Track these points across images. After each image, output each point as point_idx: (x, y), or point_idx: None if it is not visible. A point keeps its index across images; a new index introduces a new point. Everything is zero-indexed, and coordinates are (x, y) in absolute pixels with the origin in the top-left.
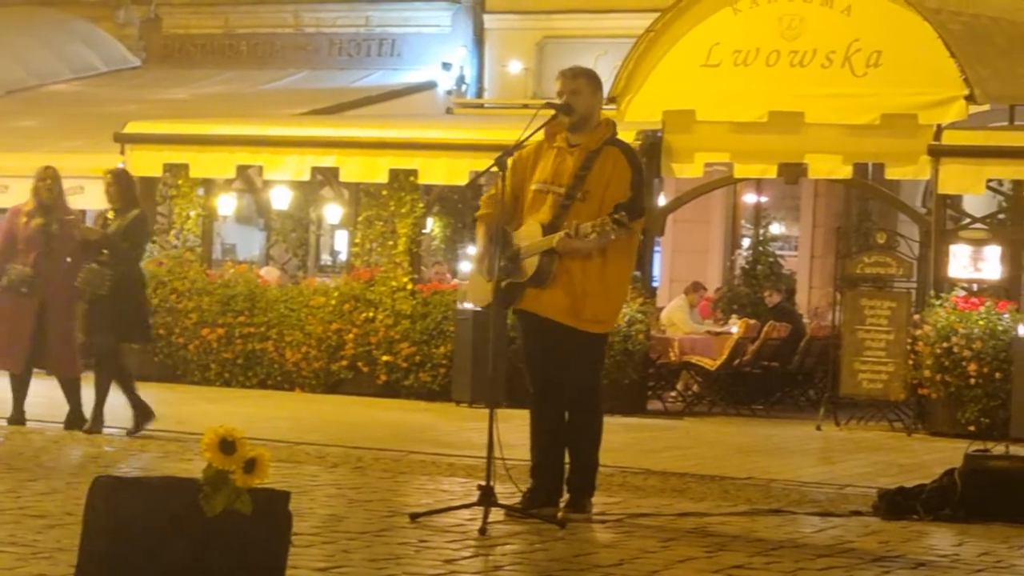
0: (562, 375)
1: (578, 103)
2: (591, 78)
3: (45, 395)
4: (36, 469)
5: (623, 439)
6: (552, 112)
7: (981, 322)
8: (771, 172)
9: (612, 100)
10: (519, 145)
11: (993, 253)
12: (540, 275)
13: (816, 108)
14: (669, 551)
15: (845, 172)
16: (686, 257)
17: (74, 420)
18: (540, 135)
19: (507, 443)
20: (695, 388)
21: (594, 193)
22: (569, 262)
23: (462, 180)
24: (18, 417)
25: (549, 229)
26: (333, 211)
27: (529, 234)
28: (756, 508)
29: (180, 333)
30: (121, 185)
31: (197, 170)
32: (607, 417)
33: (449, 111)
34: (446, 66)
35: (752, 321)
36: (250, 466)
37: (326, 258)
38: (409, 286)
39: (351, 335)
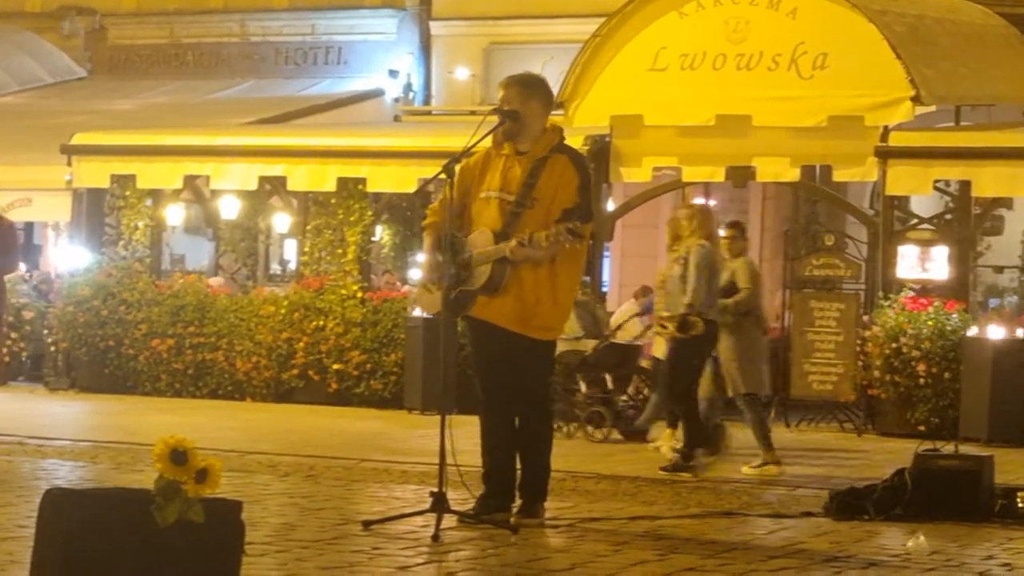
0: (511, 381)
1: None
2: (524, 86)
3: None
4: None
5: (574, 443)
6: (497, 119)
7: (930, 322)
8: (719, 176)
9: (559, 105)
10: (467, 151)
11: (941, 253)
12: (492, 283)
13: (763, 111)
14: (621, 555)
15: (793, 175)
16: (635, 261)
17: None
18: (488, 142)
19: (459, 450)
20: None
21: (542, 201)
22: (520, 270)
23: (410, 187)
24: None
25: (500, 237)
26: (282, 220)
27: (480, 241)
28: (708, 510)
29: (130, 344)
30: None
31: (145, 181)
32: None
33: (397, 119)
34: (393, 73)
35: None
36: (202, 476)
37: (275, 267)
38: (359, 294)
39: (301, 344)
